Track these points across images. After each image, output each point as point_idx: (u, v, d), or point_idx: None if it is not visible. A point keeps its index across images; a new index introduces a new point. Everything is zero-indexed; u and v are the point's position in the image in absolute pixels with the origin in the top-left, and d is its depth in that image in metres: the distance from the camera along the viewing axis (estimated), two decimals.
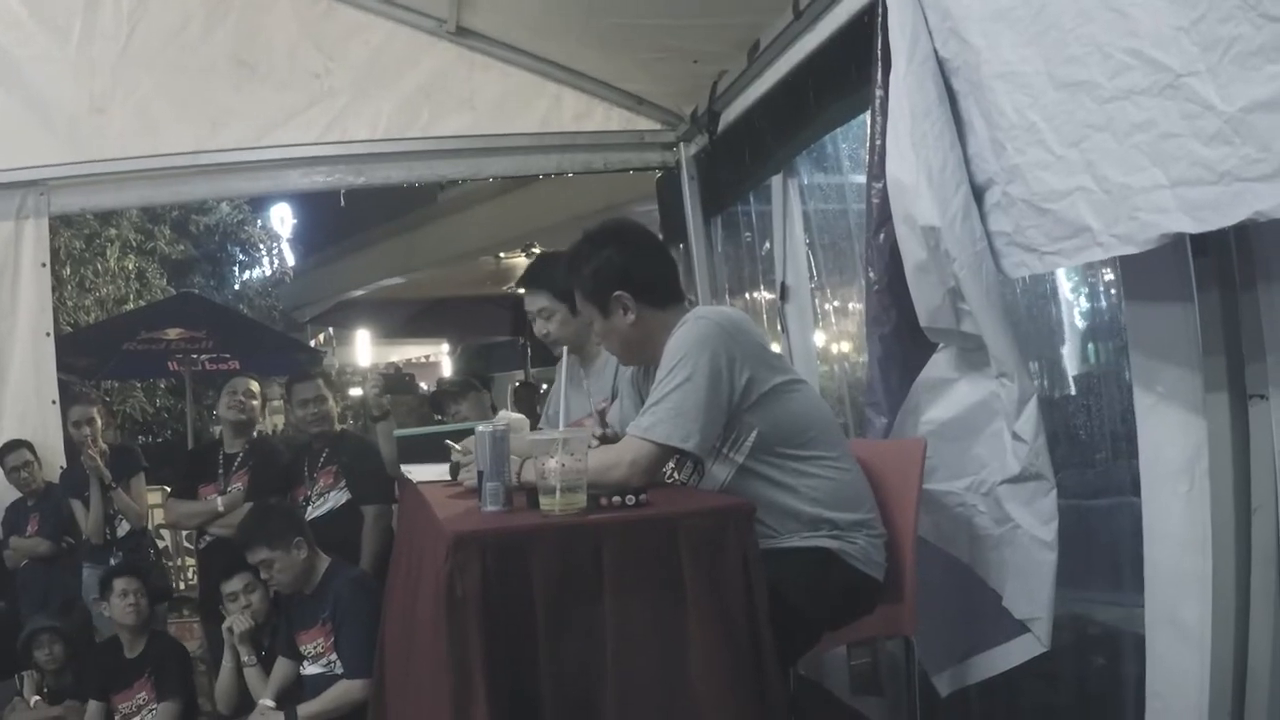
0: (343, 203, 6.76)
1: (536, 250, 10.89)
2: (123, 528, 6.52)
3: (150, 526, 6.86)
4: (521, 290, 4.55)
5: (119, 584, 5.48)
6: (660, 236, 6.73)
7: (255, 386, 6.31)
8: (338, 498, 5.75)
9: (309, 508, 5.69)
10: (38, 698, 5.78)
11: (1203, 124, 2.37)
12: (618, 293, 3.35)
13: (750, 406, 3.15)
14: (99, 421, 6.70)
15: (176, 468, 6.83)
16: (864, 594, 3.28)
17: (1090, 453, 4.10)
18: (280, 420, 15.10)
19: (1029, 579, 3.47)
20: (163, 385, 16.08)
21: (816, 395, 3.52)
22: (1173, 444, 2.99)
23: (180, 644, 6.04)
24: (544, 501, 2.73)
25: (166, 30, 6.09)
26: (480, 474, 2.89)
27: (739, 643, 2.66)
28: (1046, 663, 3.63)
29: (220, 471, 6.10)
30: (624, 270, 3.38)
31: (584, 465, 2.77)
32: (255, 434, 6.45)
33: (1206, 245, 2.75)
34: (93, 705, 5.47)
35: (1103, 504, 3.97)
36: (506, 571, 2.55)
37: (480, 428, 2.95)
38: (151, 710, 5.34)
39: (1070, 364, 4.40)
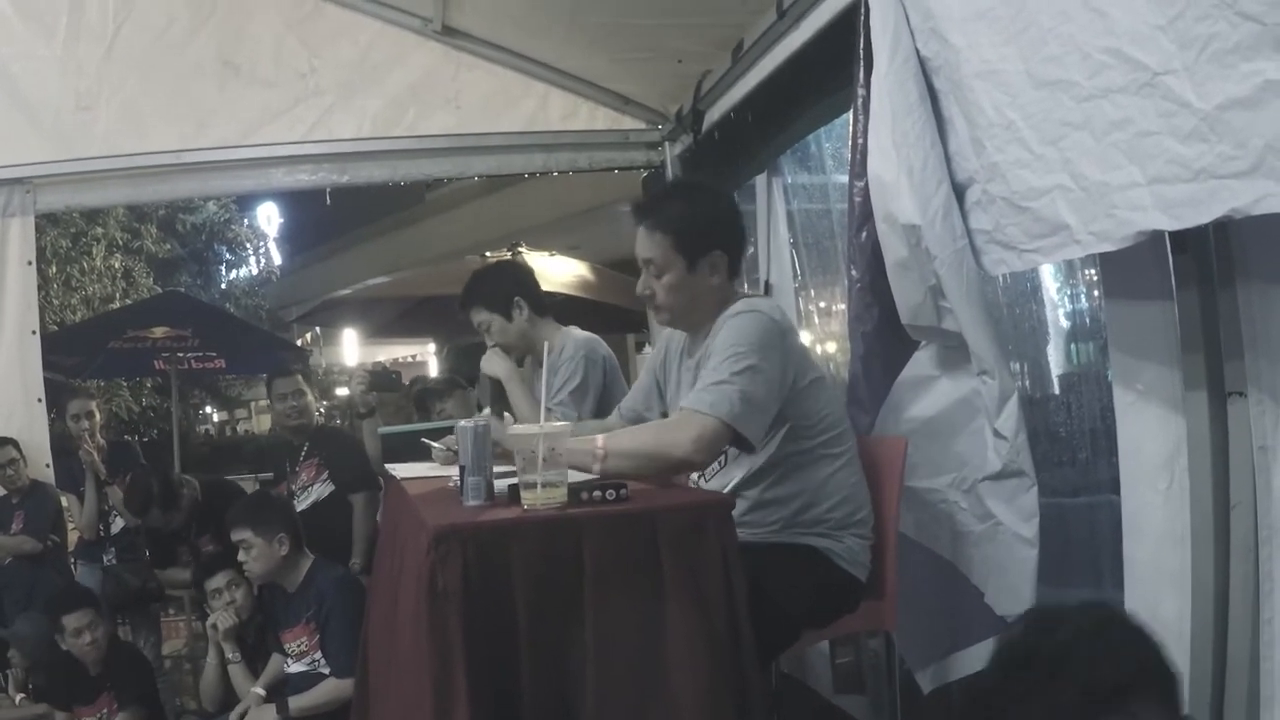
0: (328, 201, 6.75)
1: (523, 249, 10.88)
2: (116, 525, 6.53)
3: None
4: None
5: (70, 622, 5.37)
6: None
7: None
8: (321, 490, 5.80)
9: (294, 502, 5.71)
10: (22, 695, 5.78)
11: (1179, 122, 2.38)
12: (717, 251, 3.31)
13: (787, 402, 3.16)
14: (98, 416, 6.73)
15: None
16: (846, 593, 3.31)
17: (1071, 451, 4.12)
18: (268, 420, 15.13)
19: (1010, 576, 3.49)
20: (148, 384, 16.06)
21: (834, 391, 3.53)
22: (1152, 441, 3.00)
23: (139, 652, 6.07)
24: (525, 496, 2.74)
25: (152, 29, 6.09)
26: (462, 469, 2.91)
27: (718, 637, 2.67)
28: None
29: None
30: (729, 231, 3.39)
31: (565, 460, 2.78)
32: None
33: (1186, 243, 2.75)
34: (60, 717, 5.48)
35: (1083, 502, 3.99)
36: (488, 565, 2.56)
37: (462, 423, 2.96)
38: None
39: (1051, 363, 4.41)
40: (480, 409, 5.15)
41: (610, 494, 2.78)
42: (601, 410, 4.31)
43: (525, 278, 4.74)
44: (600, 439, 3.04)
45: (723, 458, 3.17)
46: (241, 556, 4.80)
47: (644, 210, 3.41)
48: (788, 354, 3.13)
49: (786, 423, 3.18)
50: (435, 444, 3.55)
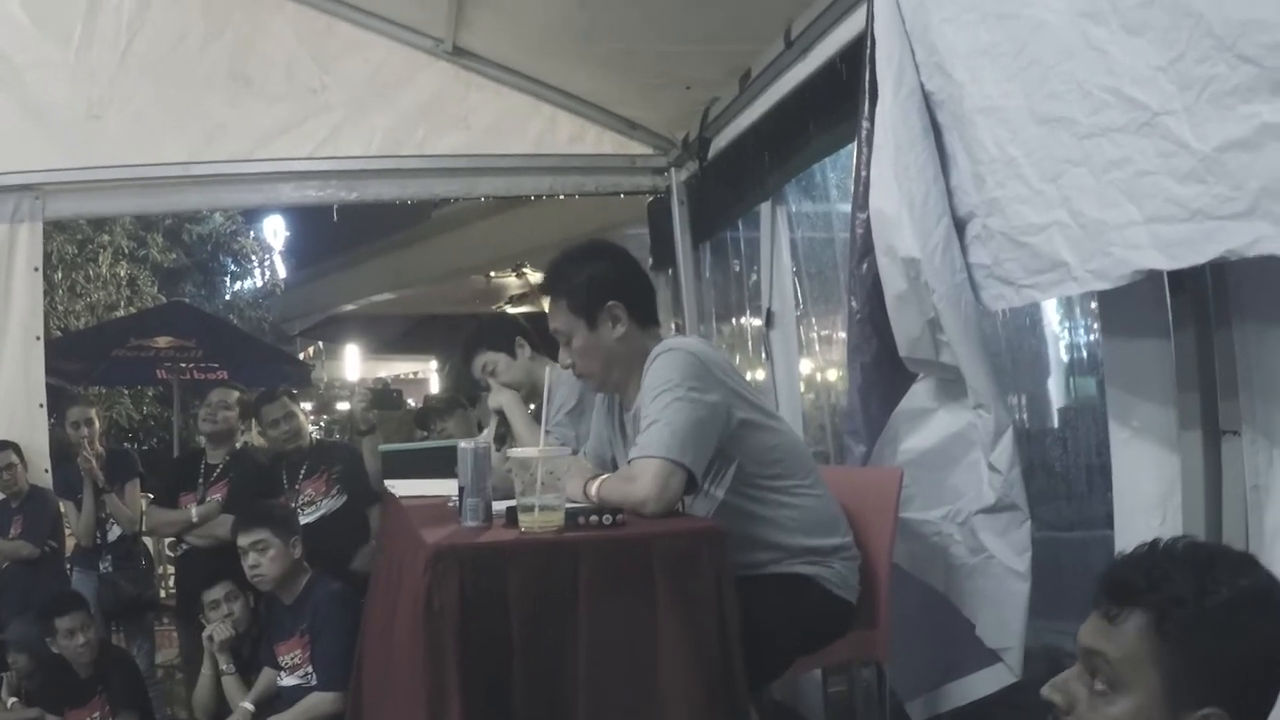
0: (335, 218, 6.78)
1: (527, 270, 10.94)
2: (113, 532, 6.53)
3: (140, 532, 6.85)
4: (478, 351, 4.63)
5: (63, 624, 5.40)
6: (650, 260, 6.82)
7: (233, 397, 6.32)
8: (331, 504, 5.80)
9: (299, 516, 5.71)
10: (15, 699, 5.78)
11: (1178, 162, 2.41)
12: (611, 303, 3.30)
13: (729, 438, 3.14)
14: (97, 424, 6.72)
15: (160, 475, 6.83)
16: (837, 617, 3.30)
17: (1067, 485, 4.14)
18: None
19: (1002, 609, 3.51)
20: (150, 393, 16.04)
21: (787, 427, 3.50)
22: (1147, 478, 3.01)
23: (128, 655, 6.08)
24: (523, 518, 2.77)
25: (166, 40, 6.12)
26: (461, 490, 2.93)
27: (710, 663, 2.69)
28: (1019, 693, 3.66)
29: (200, 480, 6.12)
30: (619, 281, 3.36)
31: (563, 485, 2.81)
32: (238, 445, 6.45)
33: (1184, 282, 2.77)
34: None
35: (1077, 536, 4.01)
36: (484, 586, 2.59)
37: (463, 444, 2.99)
38: None
39: (1048, 398, 4.43)
40: (480, 429, 5.17)
41: (606, 519, 2.81)
42: None
43: (522, 323, 4.84)
44: (594, 488, 3.06)
45: (681, 504, 3.15)
46: (254, 560, 4.78)
47: (544, 284, 3.53)
48: (715, 384, 3.11)
49: (733, 460, 3.17)
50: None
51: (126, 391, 15.76)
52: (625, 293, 3.34)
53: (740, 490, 3.18)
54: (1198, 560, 1.66)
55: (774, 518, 3.21)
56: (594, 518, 2.81)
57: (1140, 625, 1.63)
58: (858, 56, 3.93)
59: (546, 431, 3.24)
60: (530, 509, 2.75)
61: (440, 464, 3.83)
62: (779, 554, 3.21)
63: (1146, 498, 3.01)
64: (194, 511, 5.96)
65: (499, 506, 2.95)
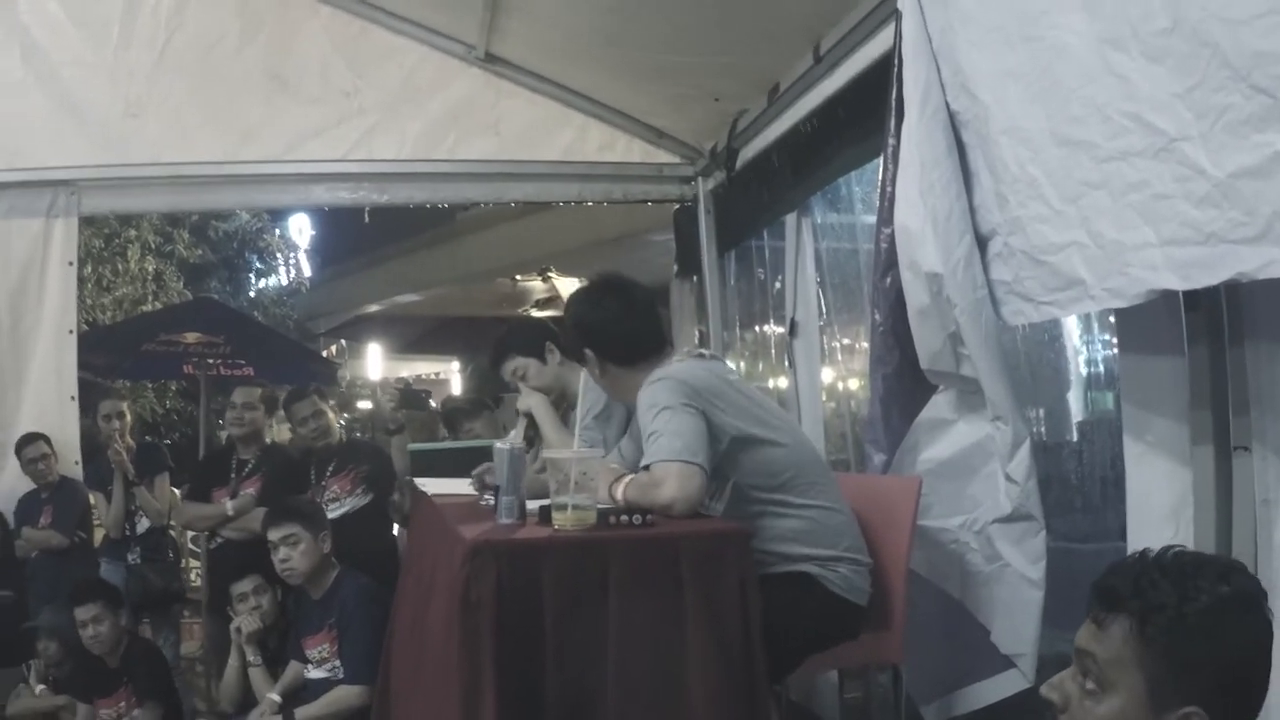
0: (367, 219, 6.87)
1: (553, 274, 10.98)
2: (142, 525, 6.62)
3: (169, 525, 6.94)
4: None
5: (79, 614, 5.47)
6: (675, 267, 6.87)
7: (257, 395, 6.38)
8: (356, 502, 5.85)
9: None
10: (43, 686, 5.86)
11: (1193, 187, 2.48)
12: (586, 350, 3.57)
13: (723, 454, 3.24)
14: (128, 416, 6.80)
15: (193, 470, 6.91)
16: (845, 619, 3.39)
17: (1083, 497, 4.19)
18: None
19: (1016, 616, 3.58)
20: (173, 387, 16.08)
21: (795, 439, 3.58)
22: (1159, 491, 3.07)
23: (155, 646, 6.15)
24: (556, 517, 2.87)
25: (202, 40, 6.22)
26: (497, 488, 3.03)
27: (733, 659, 2.78)
28: (1032, 698, 3.72)
29: (233, 476, 6.19)
30: (587, 332, 3.61)
31: (595, 485, 2.92)
32: (268, 441, 6.50)
33: (1198, 301, 2.84)
34: (82, 709, 5.59)
35: (1091, 548, 4.06)
36: (519, 580, 2.69)
37: (499, 445, 3.08)
38: (133, 716, 5.44)
39: (1065, 411, 4.48)
40: (506, 430, 5.25)
41: (636, 519, 2.90)
42: None
43: (552, 328, 4.90)
44: (619, 491, 3.15)
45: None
46: (285, 554, 4.84)
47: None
48: (702, 402, 3.23)
49: (729, 480, 3.28)
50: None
51: (150, 386, 15.81)
52: (594, 343, 3.60)
53: (737, 505, 3.29)
54: (1182, 568, 1.75)
55: (771, 528, 3.30)
56: (624, 518, 2.91)
57: (1124, 630, 1.73)
58: (884, 74, 3.99)
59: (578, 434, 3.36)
60: (564, 508, 2.86)
61: (467, 464, 3.93)
62: (776, 559, 3.30)
63: (1159, 511, 3.07)
64: (229, 505, 6.04)
65: (532, 505, 3.04)
